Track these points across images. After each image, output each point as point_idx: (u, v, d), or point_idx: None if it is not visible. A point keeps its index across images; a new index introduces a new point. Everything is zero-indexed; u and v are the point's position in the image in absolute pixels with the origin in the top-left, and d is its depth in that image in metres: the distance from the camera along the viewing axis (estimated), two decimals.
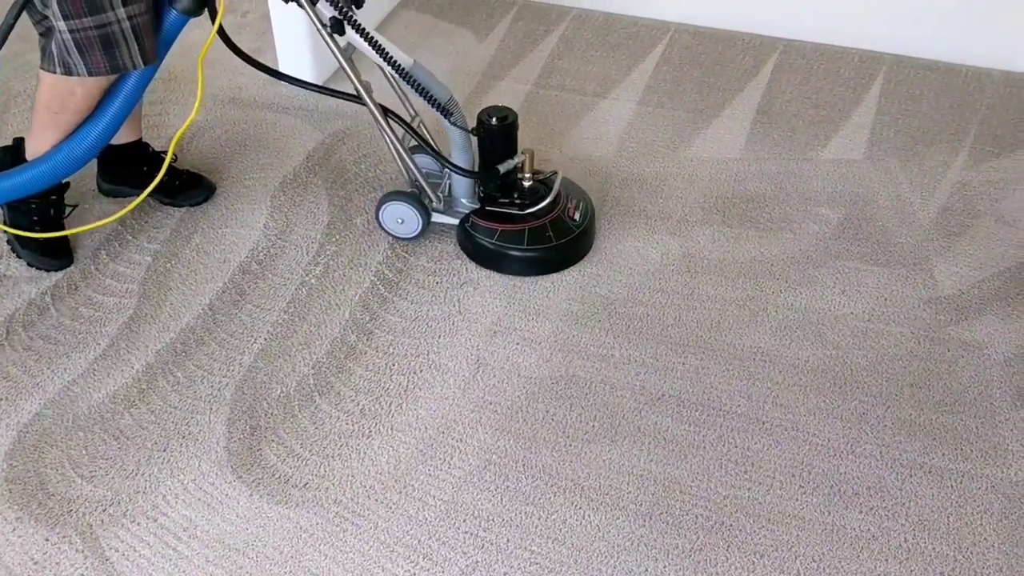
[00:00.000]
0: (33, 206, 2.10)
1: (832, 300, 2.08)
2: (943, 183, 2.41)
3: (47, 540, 1.63)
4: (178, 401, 1.87)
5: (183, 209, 2.31)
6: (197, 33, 2.12)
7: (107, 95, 1.92)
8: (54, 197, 2.14)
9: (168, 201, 2.32)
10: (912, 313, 2.05)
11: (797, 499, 1.69)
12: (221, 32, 1.86)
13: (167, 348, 1.97)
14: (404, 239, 2.22)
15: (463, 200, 2.18)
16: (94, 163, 2.22)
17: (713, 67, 2.86)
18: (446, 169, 2.13)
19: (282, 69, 2.74)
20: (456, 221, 2.18)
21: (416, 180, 2.14)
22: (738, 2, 2.98)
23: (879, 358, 1.95)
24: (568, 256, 2.16)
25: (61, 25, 1.75)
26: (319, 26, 1.90)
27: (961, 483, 1.72)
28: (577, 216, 2.15)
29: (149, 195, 2.11)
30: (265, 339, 1.99)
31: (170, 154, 2.05)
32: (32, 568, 1.59)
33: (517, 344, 1.98)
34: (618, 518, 1.66)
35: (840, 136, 2.57)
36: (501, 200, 2.12)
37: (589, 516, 1.67)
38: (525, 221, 2.11)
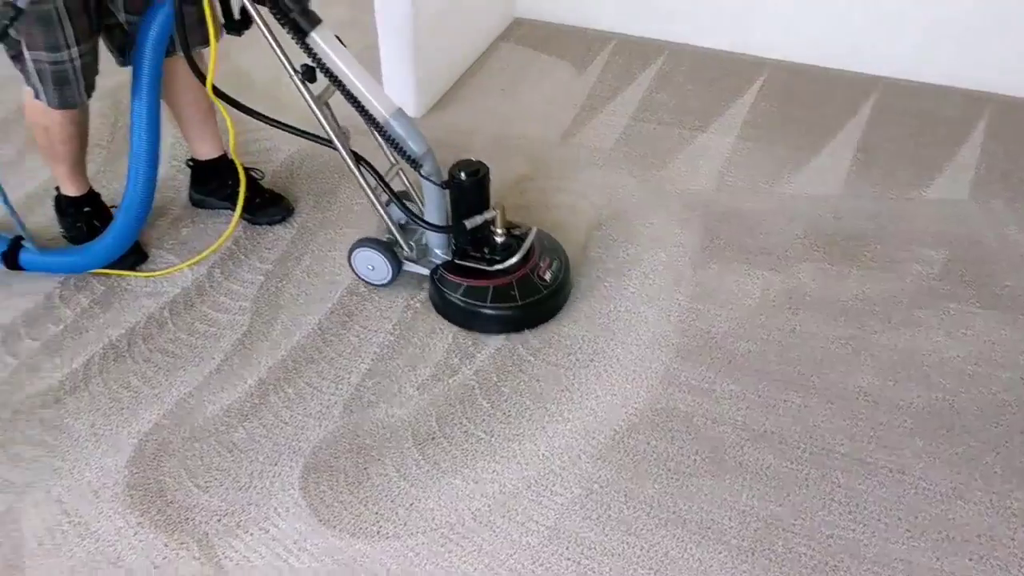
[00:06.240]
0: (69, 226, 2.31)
1: (937, 342, 2.05)
2: None
3: (166, 545, 1.70)
4: (289, 417, 1.93)
5: (294, 231, 2.40)
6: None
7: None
8: (88, 209, 2.31)
9: (248, 218, 2.40)
10: (1022, 358, 2.01)
11: (903, 543, 1.67)
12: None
13: (278, 365, 2.04)
14: (376, 285, 2.22)
15: (436, 251, 2.13)
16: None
17: (811, 104, 2.86)
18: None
19: None
20: (427, 271, 2.14)
21: (389, 228, 2.11)
22: (836, 40, 2.97)
23: (988, 403, 1.91)
24: (532, 316, 2.10)
25: (27, 55, 1.89)
26: (291, 72, 1.91)
27: None
28: (548, 276, 2.08)
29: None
30: (372, 360, 2.05)
31: (240, 170, 2.18)
32: (152, 572, 1.66)
33: (619, 374, 2.00)
34: (720, 553, 1.66)
35: (944, 176, 2.54)
36: (471, 254, 2.08)
37: (691, 549, 1.67)
38: (491, 278, 2.05)
